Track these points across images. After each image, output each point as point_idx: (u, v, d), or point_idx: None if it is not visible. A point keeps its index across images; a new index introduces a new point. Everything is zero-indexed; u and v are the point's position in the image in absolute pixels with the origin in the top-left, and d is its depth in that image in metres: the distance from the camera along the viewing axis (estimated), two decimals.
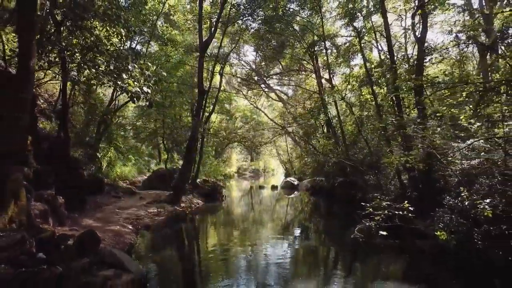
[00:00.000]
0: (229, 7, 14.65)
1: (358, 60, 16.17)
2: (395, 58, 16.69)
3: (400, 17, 14.53)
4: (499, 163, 5.93)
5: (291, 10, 16.10)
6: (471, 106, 6.30)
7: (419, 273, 6.00)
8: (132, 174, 18.29)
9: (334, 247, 8.37)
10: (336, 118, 14.87)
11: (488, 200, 5.41)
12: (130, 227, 8.48)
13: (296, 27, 17.15)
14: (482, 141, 6.30)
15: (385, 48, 14.94)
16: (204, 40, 13.11)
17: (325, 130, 18.13)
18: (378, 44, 13.01)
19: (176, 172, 15.13)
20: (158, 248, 7.79)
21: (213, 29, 13.93)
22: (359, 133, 11.25)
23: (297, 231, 10.26)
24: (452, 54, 12.85)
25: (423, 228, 6.32)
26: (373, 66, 13.07)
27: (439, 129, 6.51)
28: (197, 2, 14.05)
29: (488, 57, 12.11)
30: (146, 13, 13.04)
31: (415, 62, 10.52)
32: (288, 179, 24.03)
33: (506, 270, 5.25)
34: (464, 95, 5.65)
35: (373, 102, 10.30)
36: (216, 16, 13.99)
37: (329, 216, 12.68)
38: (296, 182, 22.37)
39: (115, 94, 15.76)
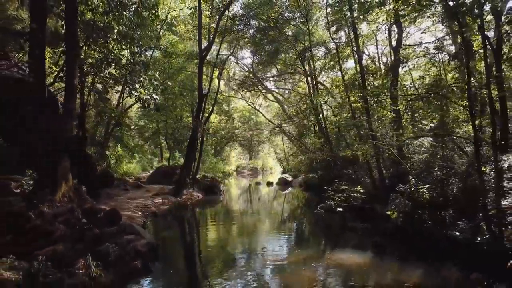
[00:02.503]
0: (226, 18, 16.03)
1: (344, 64, 17.53)
2: (379, 63, 18.25)
3: (384, 26, 15.97)
4: (438, 157, 7.36)
5: (284, 18, 17.50)
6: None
7: (377, 245, 7.49)
8: (137, 171, 19.73)
9: (312, 230, 9.83)
10: (326, 119, 16.31)
11: (426, 186, 6.83)
12: (140, 213, 9.92)
13: (289, 32, 18.55)
14: (430, 138, 7.75)
15: (370, 54, 16.52)
16: (203, 48, 14.51)
17: (317, 130, 19.55)
18: (355, 53, 14.36)
19: (177, 169, 16.51)
20: (164, 229, 9.36)
21: (211, 37, 15.32)
22: (339, 133, 12.67)
23: (283, 217, 11.70)
24: (436, 59, 14.13)
25: (379, 210, 7.75)
26: (356, 71, 14.46)
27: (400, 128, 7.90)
28: (197, 13, 15.45)
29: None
30: (153, 29, 14.42)
31: (389, 70, 12.00)
32: (282, 175, 25.35)
33: (444, 244, 6.63)
34: (404, 103, 7.08)
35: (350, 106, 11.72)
36: (215, 25, 15.39)
37: (315, 207, 14.10)
38: (290, 179, 23.74)
39: (122, 97, 17.23)
